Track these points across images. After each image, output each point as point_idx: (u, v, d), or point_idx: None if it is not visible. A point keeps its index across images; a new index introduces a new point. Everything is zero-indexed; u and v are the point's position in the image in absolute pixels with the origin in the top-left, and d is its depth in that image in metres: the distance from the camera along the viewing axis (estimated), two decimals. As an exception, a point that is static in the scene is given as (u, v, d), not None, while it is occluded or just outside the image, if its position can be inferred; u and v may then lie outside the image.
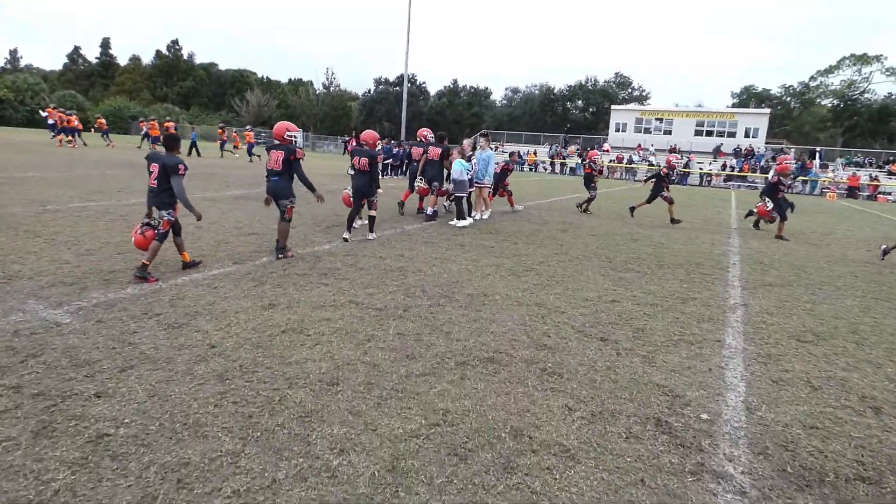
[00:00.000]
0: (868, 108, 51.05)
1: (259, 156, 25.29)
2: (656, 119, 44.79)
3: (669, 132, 43.25)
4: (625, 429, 2.91)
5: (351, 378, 3.34)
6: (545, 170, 39.82)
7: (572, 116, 61.42)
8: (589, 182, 12.83)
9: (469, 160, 9.47)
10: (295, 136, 6.39)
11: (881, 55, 50.76)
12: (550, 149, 42.79)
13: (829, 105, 54.72)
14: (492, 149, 10.41)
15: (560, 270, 6.51)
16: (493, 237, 8.54)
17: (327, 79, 67.68)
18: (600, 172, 13.15)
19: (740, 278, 6.67)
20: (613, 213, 13.55)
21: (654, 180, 11.63)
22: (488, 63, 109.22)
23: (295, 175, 6.23)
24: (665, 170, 11.82)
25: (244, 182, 15.01)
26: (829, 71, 53.63)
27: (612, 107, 49.03)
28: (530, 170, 39.77)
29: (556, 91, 61.91)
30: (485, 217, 10.19)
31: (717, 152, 39.07)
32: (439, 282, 5.66)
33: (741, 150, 38.17)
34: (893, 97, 50.84)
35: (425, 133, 10.61)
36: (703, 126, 42.71)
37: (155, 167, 5.15)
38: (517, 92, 65.88)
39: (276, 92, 71.05)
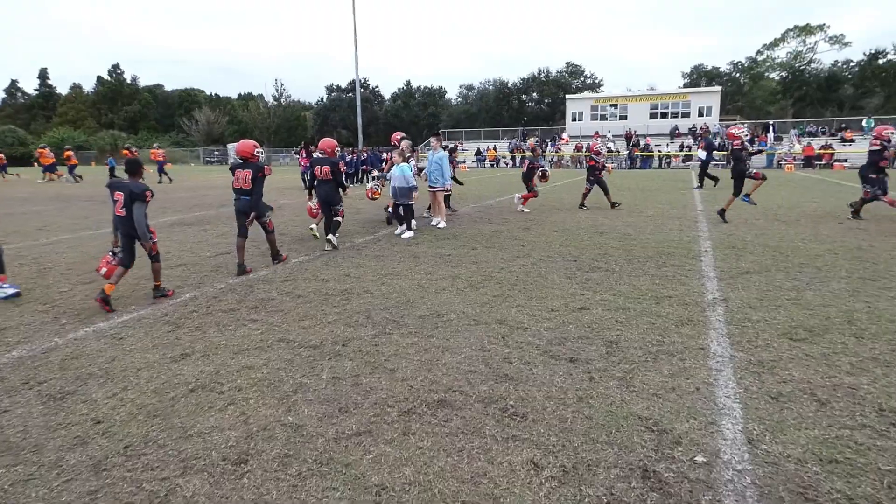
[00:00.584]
0: (816, 78, 52.42)
1: (170, 177, 24.17)
2: (611, 105, 45.02)
3: (625, 117, 43.51)
4: (605, 489, 2.32)
5: (265, 450, 2.66)
6: (506, 165, 39.53)
7: (528, 109, 61.45)
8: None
9: (408, 162, 8.82)
10: (261, 153, 6.46)
11: (824, 24, 52.27)
12: (510, 144, 42.51)
13: (778, 78, 56.03)
14: (444, 148, 9.74)
15: (522, 276, 5.93)
16: (450, 244, 7.92)
17: (277, 90, 66.07)
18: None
19: (715, 267, 6.22)
20: (577, 204, 13.09)
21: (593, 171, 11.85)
22: (440, 61, 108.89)
23: (258, 192, 6.29)
24: (592, 160, 11.84)
25: (182, 206, 14.03)
26: (775, 44, 54.93)
27: (567, 96, 49.15)
28: (491, 165, 39.42)
29: (510, 85, 61.85)
30: (441, 225, 9.51)
31: (673, 133, 39.41)
32: (388, 304, 5.01)
33: (696, 128, 38.60)
34: (839, 65, 52.35)
35: (398, 137, 10.10)
36: (657, 109, 43.11)
37: (120, 195, 4.99)
38: (471, 89, 65.64)
39: (227, 108, 69.06)
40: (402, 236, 8.27)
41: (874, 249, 7.01)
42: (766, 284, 5.45)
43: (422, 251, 7.38)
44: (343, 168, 8.43)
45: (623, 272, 6.05)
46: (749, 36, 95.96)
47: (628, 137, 38.60)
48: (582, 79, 62.89)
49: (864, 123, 35.40)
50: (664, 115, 42.58)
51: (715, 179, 17.55)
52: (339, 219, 7.63)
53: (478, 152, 41.43)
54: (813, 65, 53.56)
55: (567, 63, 62.97)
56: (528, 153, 13.11)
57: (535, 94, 62.58)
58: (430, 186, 9.43)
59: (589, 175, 11.97)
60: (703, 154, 18.22)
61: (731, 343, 3.97)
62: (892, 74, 48.23)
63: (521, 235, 8.53)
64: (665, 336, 4.11)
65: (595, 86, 61.72)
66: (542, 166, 12.00)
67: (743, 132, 9.81)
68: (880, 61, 49.64)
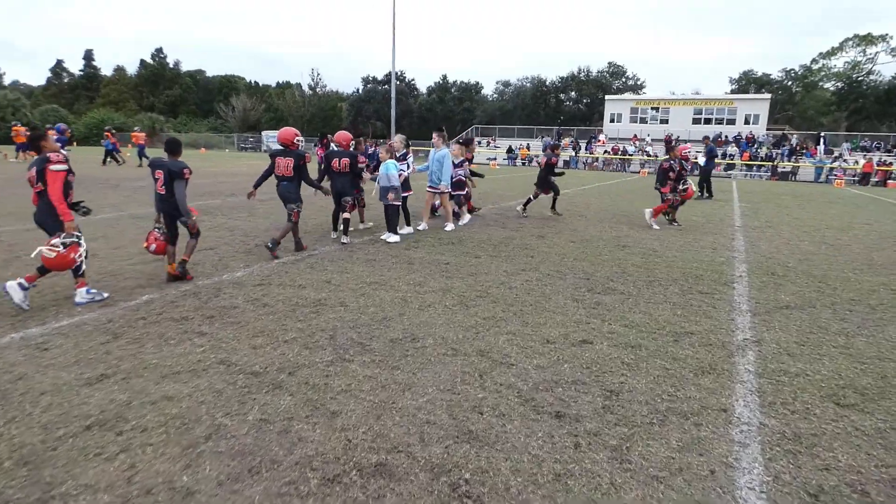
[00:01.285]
0: (874, 90, 49.30)
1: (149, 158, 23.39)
2: (652, 108, 43.36)
3: (666, 121, 41.83)
4: None
5: (133, 528, 2.06)
6: (538, 164, 38.49)
7: (566, 108, 59.95)
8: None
9: (405, 159, 8.12)
10: (302, 141, 6.61)
11: (886, 34, 49.06)
12: (544, 142, 41.38)
13: (833, 88, 53.02)
14: (447, 146, 8.91)
15: (523, 295, 5.22)
16: (452, 250, 7.23)
17: (313, 80, 66.19)
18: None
19: (749, 297, 5.36)
20: (604, 211, 12.22)
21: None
22: (478, 56, 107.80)
23: (301, 179, 6.51)
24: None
25: (190, 194, 13.69)
26: (832, 53, 51.93)
27: (607, 97, 47.60)
28: (523, 164, 38.44)
29: (548, 83, 60.44)
30: (448, 228, 8.76)
31: (716, 141, 37.60)
32: (360, 320, 4.38)
33: (741, 137, 36.76)
34: (901, 77, 49.11)
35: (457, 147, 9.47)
36: (701, 114, 41.28)
37: (160, 173, 5.17)
38: (508, 85, 64.41)
39: (264, 96, 69.75)
40: (388, 241, 7.51)
41: (941, 286, 6.01)
42: (809, 324, 4.59)
43: (418, 257, 6.72)
44: (364, 161, 8.01)
45: (640, 297, 5.26)
46: (804, 44, 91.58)
47: (667, 142, 36.99)
48: (623, 79, 60.99)
49: (923, 140, 33.08)
50: (708, 121, 40.72)
51: (709, 193, 16.20)
52: (348, 215, 7.54)
53: (509, 150, 40.50)
54: (872, 76, 50.39)
55: (609, 63, 61.14)
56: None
57: (573, 93, 61.02)
58: (430, 187, 8.72)
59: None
60: (702, 160, 17.07)
61: (762, 404, 3.19)
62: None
63: (534, 244, 7.78)
64: (679, 388, 3.36)
65: (637, 87, 59.77)
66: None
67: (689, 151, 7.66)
68: (944, 74, 46.34)
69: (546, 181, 10.39)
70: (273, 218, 9.31)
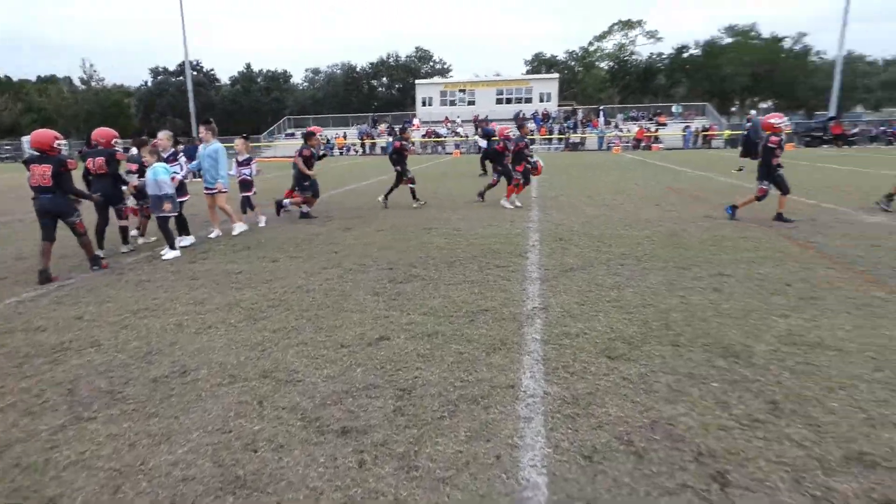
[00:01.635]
0: (636, 68, 58.60)
1: None
2: (460, 91, 45.55)
3: (473, 102, 44.29)
4: None
5: None
6: (356, 152, 38.06)
7: (379, 94, 60.20)
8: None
9: (175, 160, 7.11)
10: (64, 145, 5.81)
11: (642, 20, 58.47)
12: (360, 130, 40.99)
13: (606, 67, 61.52)
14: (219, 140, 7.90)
15: (321, 297, 4.83)
16: (246, 255, 6.53)
17: (85, 72, 56.45)
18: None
19: (540, 265, 5.68)
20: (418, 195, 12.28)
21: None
22: (283, 41, 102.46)
23: (64, 189, 5.66)
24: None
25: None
26: (603, 36, 60.19)
27: (417, 82, 48.77)
28: (340, 154, 37.65)
29: (358, 69, 59.95)
30: (237, 230, 7.92)
31: (517, 118, 40.93)
32: (115, 361, 3.60)
33: (538, 113, 40.52)
34: (654, 57, 59.13)
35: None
36: (503, 94, 44.50)
37: None
38: (318, 73, 62.49)
39: (21, 93, 57.72)
40: (166, 258, 6.45)
41: (687, 234, 7.10)
42: (588, 283, 4.98)
43: (205, 270, 5.91)
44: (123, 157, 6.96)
45: (441, 280, 5.24)
46: (586, 26, 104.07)
47: (476, 123, 39.27)
48: (431, 64, 63.05)
49: (673, 109, 40.49)
50: (509, 101, 44.07)
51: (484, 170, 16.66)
52: (125, 222, 7.06)
53: (326, 140, 39.26)
54: (634, 56, 59.78)
55: (416, 48, 62.70)
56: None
57: (385, 78, 61.41)
58: (206, 188, 7.71)
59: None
60: (483, 143, 18.75)
61: (546, 371, 3.28)
62: (694, 67, 55.78)
63: (340, 238, 7.41)
64: (472, 371, 3.30)
65: (444, 71, 62.29)
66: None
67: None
68: (684, 55, 57.02)
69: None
70: (15, 245, 7.52)
